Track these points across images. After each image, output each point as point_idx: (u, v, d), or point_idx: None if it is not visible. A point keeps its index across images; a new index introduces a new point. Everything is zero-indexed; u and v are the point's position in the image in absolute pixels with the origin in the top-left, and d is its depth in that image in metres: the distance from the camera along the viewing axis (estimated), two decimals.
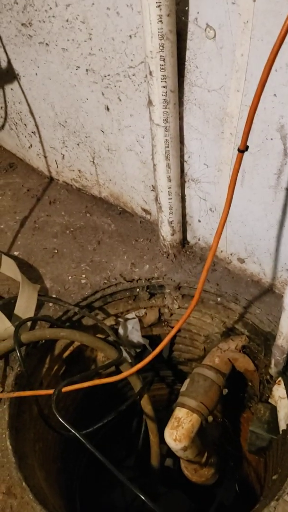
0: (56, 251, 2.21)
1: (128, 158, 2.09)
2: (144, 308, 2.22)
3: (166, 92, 1.64)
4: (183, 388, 1.94)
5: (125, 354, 2.01)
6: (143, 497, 1.40)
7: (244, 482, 2.57)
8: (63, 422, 1.55)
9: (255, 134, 1.56)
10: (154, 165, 1.86)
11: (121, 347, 2.00)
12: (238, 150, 1.26)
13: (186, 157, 1.86)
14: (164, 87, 1.62)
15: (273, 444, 1.88)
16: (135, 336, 2.17)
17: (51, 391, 1.66)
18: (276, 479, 1.67)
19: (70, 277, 2.10)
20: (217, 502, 2.60)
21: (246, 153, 1.57)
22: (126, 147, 2.05)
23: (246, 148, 1.25)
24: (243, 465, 2.55)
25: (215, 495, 2.58)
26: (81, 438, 1.53)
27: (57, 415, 1.56)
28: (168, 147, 1.76)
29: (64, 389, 1.66)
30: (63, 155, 2.39)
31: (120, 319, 2.18)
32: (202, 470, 2.10)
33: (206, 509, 2.56)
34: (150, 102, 1.70)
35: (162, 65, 1.58)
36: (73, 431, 1.54)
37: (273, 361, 1.85)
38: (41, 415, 1.75)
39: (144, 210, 2.27)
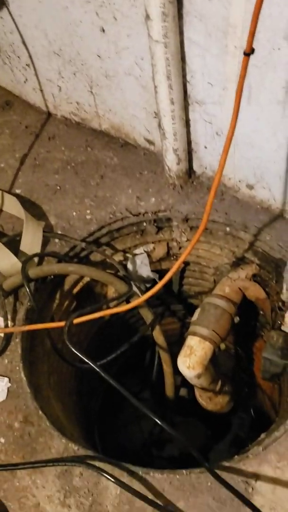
0: (58, 187, 2.15)
1: (128, 84, 1.98)
2: (152, 242, 2.18)
3: (164, 4, 1.52)
4: (194, 318, 1.93)
5: (135, 288, 1.99)
6: (159, 422, 1.40)
7: (259, 411, 2.62)
8: (76, 352, 1.55)
9: (261, 44, 1.46)
10: (155, 87, 1.76)
11: (131, 282, 1.98)
12: (244, 53, 1.17)
13: (188, 77, 1.75)
14: None
15: (287, 370, 1.88)
16: (145, 271, 2.15)
17: (62, 324, 1.65)
18: None
19: (74, 213, 2.06)
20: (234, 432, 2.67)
21: (252, 67, 1.49)
22: (124, 71, 1.94)
23: (252, 51, 1.17)
24: (257, 394, 2.58)
25: (231, 422, 2.64)
26: (95, 367, 1.53)
27: (70, 346, 1.56)
28: (169, 65, 1.66)
29: (76, 321, 1.65)
30: (60, 87, 2.28)
31: (128, 255, 2.15)
32: (217, 398, 2.13)
33: (222, 436, 2.63)
34: (147, 17, 1.58)
35: None
36: (87, 360, 1.54)
37: (284, 287, 1.82)
38: (54, 349, 1.75)
39: (147, 140, 2.18)
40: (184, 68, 1.73)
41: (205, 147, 1.97)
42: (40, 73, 2.29)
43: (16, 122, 2.45)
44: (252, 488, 1.33)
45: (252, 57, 1.21)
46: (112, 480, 1.32)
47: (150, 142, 2.18)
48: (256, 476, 1.35)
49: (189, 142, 1.99)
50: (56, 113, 2.46)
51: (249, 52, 1.16)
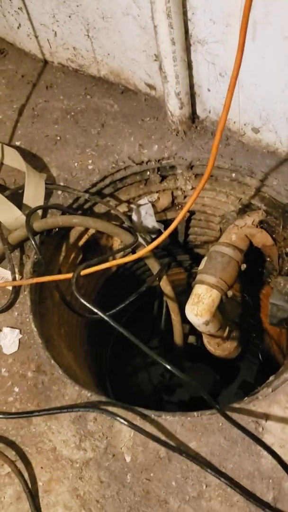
0: (58, 138, 2.10)
1: (126, 25, 1.89)
2: (157, 192, 2.15)
3: None
4: (201, 267, 1.93)
5: (140, 239, 1.98)
6: (169, 367, 1.42)
7: (267, 355, 2.67)
8: (85, 302, 1.55)
9: None
10: (155, 27, 1.68)
11: (137, 233, 1.96)
12: None
13: (189, 14, 1.67)
14: None
15: None
16: (150, 221, 2.13)
17: (70, 275, 1.65)
18: None
19: (76, 164, 2.01)
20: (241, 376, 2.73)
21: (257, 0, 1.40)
22: (122, 11, 1.85)
23: None
24: (265, 339, 2.62)
25: (239, 368, 2.70)
26: (104, 317, 1.54)
27: (79, 297, 1.56)
28: (168, 2, 1.58)
29: (83, 272, 1.65)
30: (55, 32, 2.18)
31: (132, 206, 2.12)
32: (225, 343, 2.15)
33: (231, 381, 2.69)
34: None
35: None
36: (96, 310, 1.54)
37: None
38: (63, 300, 1.76)
39: (148, 85, 2.11)
40: (185, 4, 1.64)
41: (208, 90, 1.90)
42: (33, 17, 2.19)
43: (11, 71, 2.37)
44: (262, 428, 1.37)
45: None
46: (126, 423, 1.35)
47: (151, 87, 2.11)
48: (266, 416, 1.38)
49: (191, 86, 1.92)
50: (52, 61, 2.37)
51: None
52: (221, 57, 1.73)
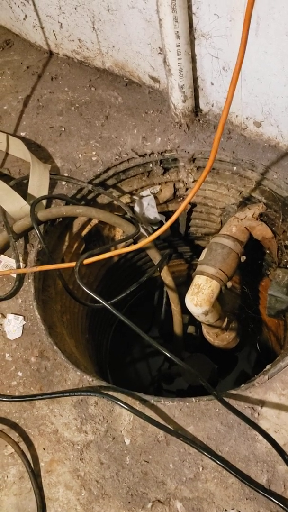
0: (63, 129, 2.13)
1: (131, 18, 1.91)
2: (159, 184, 2.18)
3: None
4: (201, 258, 1.96)
5: (142, 230, 2.01)
6: (169, 354, 1.46)
7: (265, 346, 2.71)
8: (87, 290, 1.59)
9: None
10: (160, 20, 1.70)
11: (139, 224, 2.00)
12: None
13: (194, 9, 1.69)
14: None
15: None
16: (152, 212, 2.16)
17: (72, 264, 1.69)
18: None
19: (80, 155, 2.04)
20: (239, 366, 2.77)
21: None
22: (128, 4, 1.87)
23: None
24: (263, 330, 2.66)
25: (237, 358, 2.74)
26: (106, 305, 1.58)
27: (81, 285, 1.60)
28: None
29: (86, 261, 1.69)
30: (61, 24, 2.20)
31: (135, 197, 2.15)
32: (224, 334, 2.20)
33: (229, 371, 2.74)
34: None
35: None
36: (98, 298, 1.58)
37: None
38: (66, 289, 1.80)
39: (152, 78, 2.13)
40: None
41: (212, 84, 1.92)
42: (39, 8, 2.21)
43: (17, 62, 2.39)
44: (258, 414, 1.41)
45: None
46: (126, 407, 1.39)
47: (155, 80, 2.13)
48: (262, 403, 1.43)
49: (195, 79, 1.94)
50: (58, 52, 2.39)
51: None
52: (225, 51, 1.76)
